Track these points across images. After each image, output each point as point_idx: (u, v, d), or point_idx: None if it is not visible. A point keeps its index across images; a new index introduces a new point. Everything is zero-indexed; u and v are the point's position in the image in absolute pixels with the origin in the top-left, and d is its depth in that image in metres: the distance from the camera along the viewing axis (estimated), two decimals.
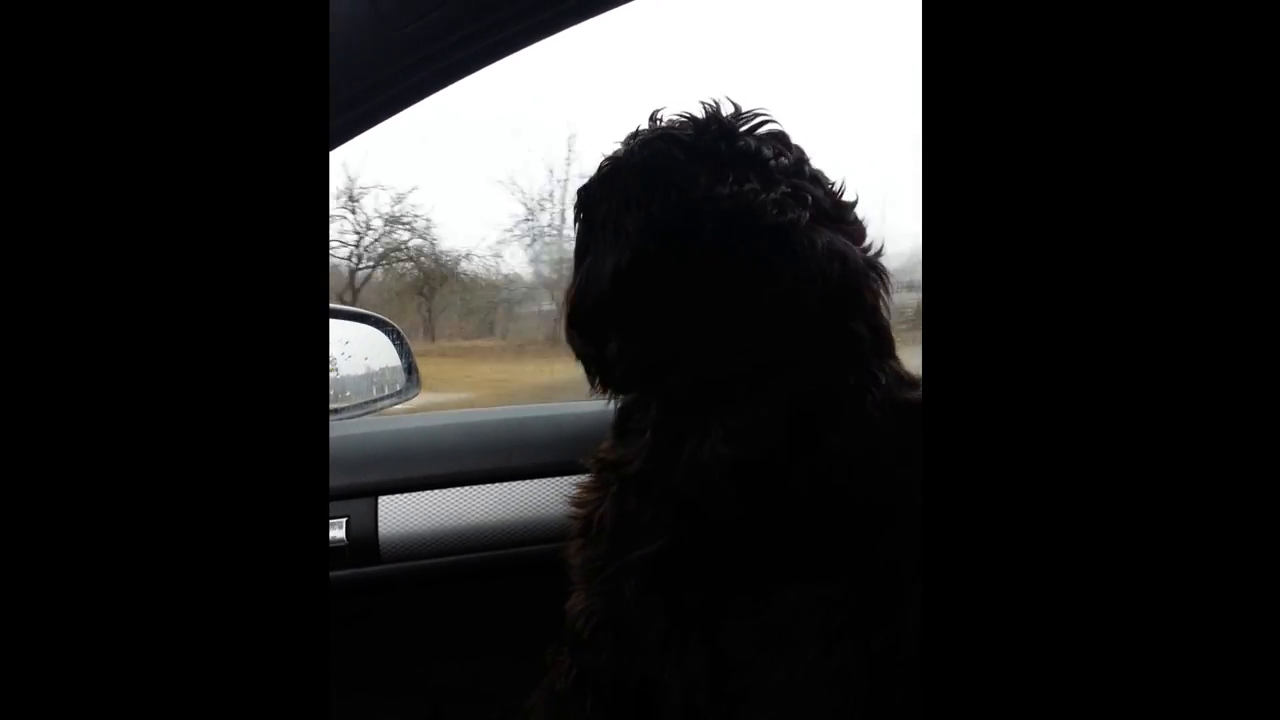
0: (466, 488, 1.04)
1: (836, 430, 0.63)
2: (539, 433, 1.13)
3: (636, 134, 0.75)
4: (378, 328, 1.26)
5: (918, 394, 0.68)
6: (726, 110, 0.73)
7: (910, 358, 0.71)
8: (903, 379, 0.69)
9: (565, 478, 1.04)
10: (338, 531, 0.99)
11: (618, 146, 0.75)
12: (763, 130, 0.73)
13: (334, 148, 0.67)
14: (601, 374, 0.74)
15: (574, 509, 0.76)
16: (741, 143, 0.71)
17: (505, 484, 1.05)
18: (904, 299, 0.76)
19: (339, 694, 1.01)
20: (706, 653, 0.65)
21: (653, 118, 0.75)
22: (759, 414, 0.64)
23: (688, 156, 0.69)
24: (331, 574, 0.98)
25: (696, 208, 0.66)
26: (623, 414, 0.76)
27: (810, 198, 0.69)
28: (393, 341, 1.26)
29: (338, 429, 1.15)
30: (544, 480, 1.05)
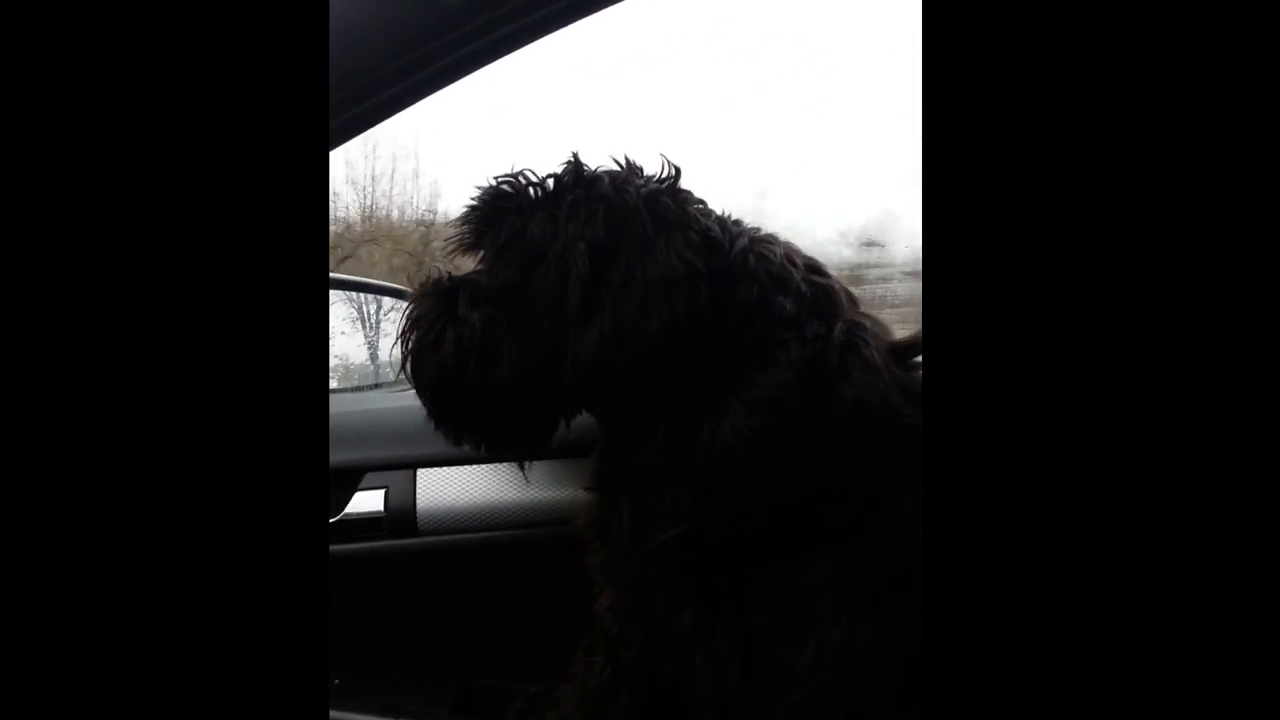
0: (503, 464, 1.04)
1: (848, 379, 0.65)
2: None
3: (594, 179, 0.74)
4: None
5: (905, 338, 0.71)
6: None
7: None
8: (882, 325, 0.72)
9: None
10: (377, 503, 1.02)
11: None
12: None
13: (334, 146, 0.68)
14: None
15: (582, 523, 0.79)
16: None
17: (541, 462, 1.05)
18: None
19: (372, 669, 1.04)
20: (736, 632, 0.66)
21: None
22: (773, 379, 0.66)
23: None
24: (369, 545, 1.01)
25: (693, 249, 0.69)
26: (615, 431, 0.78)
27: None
28: None
29: (380, 402, 1.17)
30: (579, 460, 1.06)
